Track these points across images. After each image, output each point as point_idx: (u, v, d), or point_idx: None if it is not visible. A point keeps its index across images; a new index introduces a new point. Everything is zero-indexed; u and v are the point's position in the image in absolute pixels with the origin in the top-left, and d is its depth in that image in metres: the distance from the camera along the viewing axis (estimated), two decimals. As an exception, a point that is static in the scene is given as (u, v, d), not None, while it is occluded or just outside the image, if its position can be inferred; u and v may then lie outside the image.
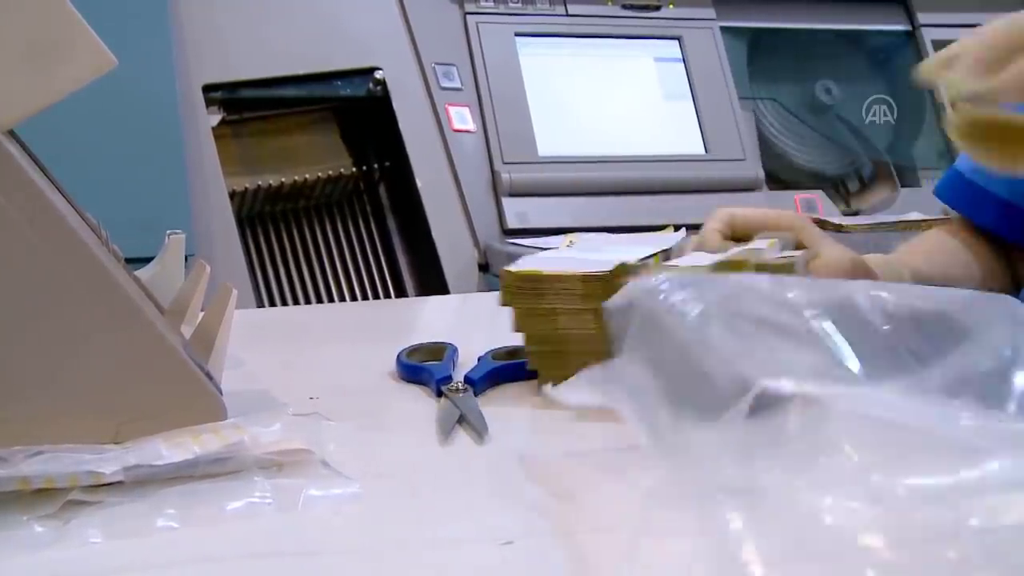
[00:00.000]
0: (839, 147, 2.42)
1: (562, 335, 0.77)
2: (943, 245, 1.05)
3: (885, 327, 0.52)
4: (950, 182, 1.11)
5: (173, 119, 1.82)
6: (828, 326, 0.51)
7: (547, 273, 0.77)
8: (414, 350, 0.85)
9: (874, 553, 0.39)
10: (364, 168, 2.04)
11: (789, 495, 0.42)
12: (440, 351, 0.85)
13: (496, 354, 0.83)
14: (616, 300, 0.54)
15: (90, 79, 0.60)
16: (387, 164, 2.05)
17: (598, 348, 0.73)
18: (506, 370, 0.81)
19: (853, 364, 0.50)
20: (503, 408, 0.74)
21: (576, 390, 0.54)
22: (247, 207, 1.96)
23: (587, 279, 0.76)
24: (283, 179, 1.96)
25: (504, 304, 0.78)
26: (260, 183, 1.95)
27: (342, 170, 2.02)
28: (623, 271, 0.74)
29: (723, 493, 0.42)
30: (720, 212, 0.87)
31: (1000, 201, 1.06)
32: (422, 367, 0.81)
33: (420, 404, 0.75)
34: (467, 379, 0.77)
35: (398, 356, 0.84)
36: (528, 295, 0.77)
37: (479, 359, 0.83)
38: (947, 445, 0.44)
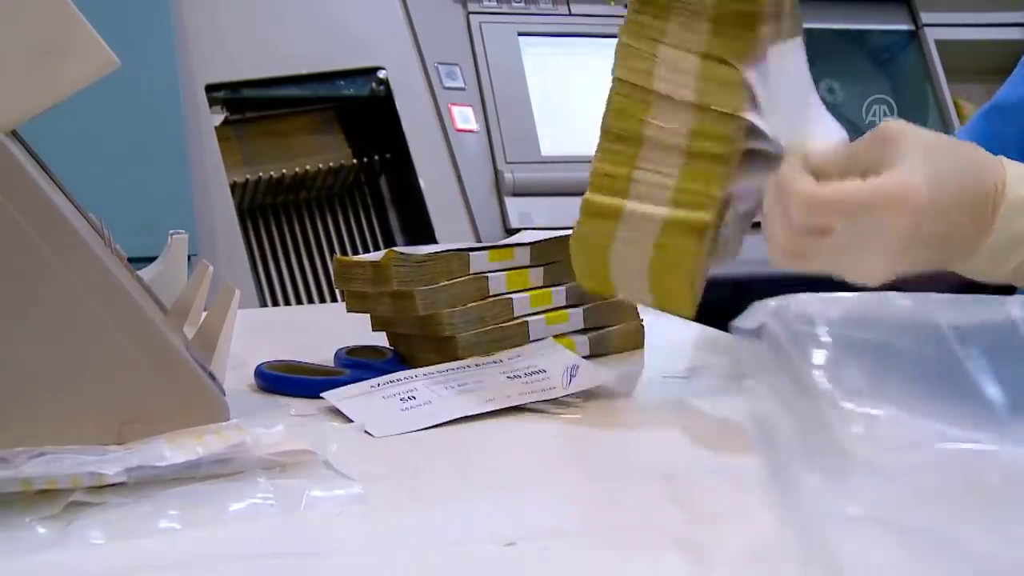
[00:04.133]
0: (842, 146, 2.42)
1: (384, 318, 0.84)
2: None
3: None
4: None
5: (176, 119, 1.82)
6: (980, 362, 0.43)
7: (353, 260, 0.82)
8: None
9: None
10: (365, 160, 2.04)
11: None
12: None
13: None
14: (744, 322, 0.47)
15: (92, 79, 0.60)
16: (387, 156, 2.05)
17: (411, 330, 0.82)
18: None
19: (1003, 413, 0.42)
20: (505, 409, 0.74)
21: None
22: (247, 199, 1.96)
23: (374, 264, 0.79)
24: (284, 170, 1.96)
25: (337, 287, 0.85)
26: (261, 174, 1.95)
27: (343, 161, 2.02)
28: (391, 257, 0.78)
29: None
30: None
31: None
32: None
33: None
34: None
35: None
36: (342, 279, 0.83)
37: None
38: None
